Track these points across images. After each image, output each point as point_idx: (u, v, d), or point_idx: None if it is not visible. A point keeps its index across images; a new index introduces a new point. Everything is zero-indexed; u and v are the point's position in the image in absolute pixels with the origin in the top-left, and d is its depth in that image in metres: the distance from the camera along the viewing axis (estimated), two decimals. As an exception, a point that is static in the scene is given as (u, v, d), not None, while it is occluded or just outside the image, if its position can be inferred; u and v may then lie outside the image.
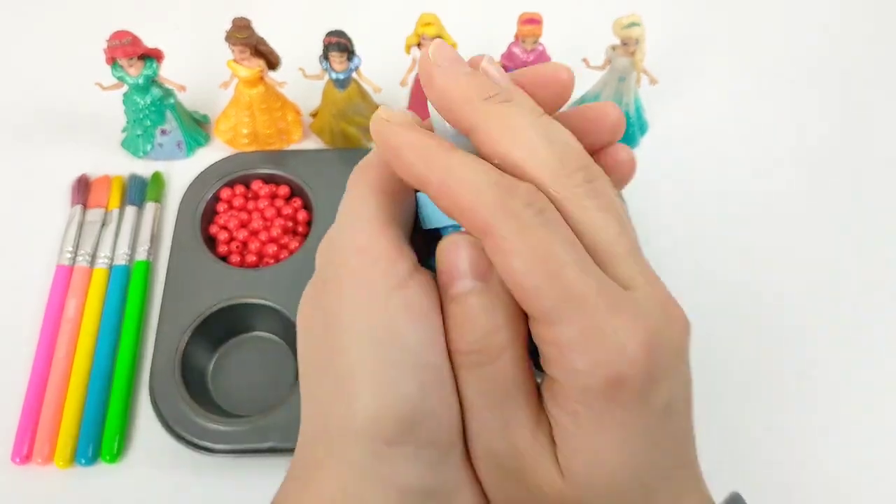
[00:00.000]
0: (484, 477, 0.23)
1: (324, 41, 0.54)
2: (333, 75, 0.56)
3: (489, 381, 0.22)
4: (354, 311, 0.22)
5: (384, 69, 0.58)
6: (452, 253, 0.22)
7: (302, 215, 0.57)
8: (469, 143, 0.23)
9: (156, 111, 0.58)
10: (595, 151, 0.24)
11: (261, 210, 0.56)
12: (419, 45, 0.56)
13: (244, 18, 0.54)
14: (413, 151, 0.22)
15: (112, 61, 0.55)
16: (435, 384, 0.22)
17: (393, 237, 0.23)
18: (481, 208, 0.20)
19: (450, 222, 0.24)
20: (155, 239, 0.56)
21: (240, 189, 0.57)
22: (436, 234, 0.24)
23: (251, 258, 0.55)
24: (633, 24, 0.53)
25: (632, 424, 0.21)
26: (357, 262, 0.22)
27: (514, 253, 0.20)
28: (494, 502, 0.23)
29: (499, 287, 0.22)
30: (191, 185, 0.57)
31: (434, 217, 0.24)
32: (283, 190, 0.58)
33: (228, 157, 0.59)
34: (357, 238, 0.23)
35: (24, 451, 0.47)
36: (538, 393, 0.23)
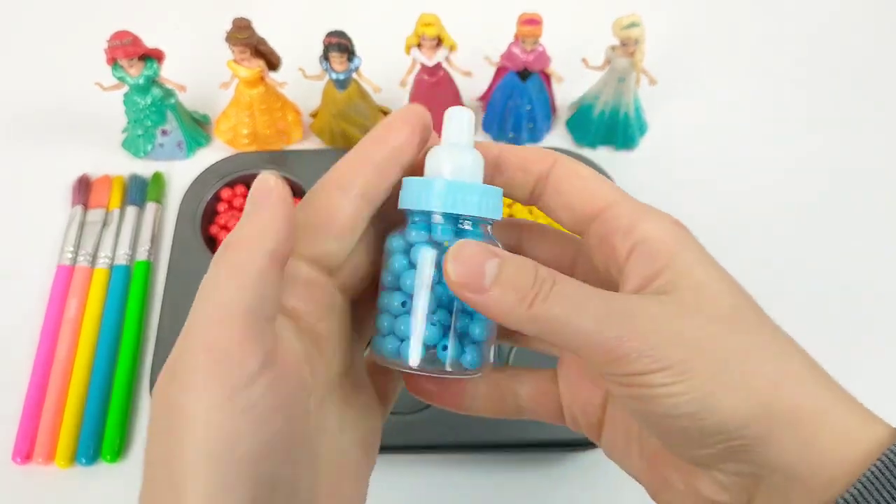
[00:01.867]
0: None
1: (324, 41, 0.54)
2: (333, 75, 0.56)
3: (566, 293, 0.23)
4: (195, 414, 0.21)
5: (384, 69, 0.59)
6: (464, 254, 0.24)
7: (302, 215, 0.57)
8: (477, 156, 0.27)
9: (156, 111, 0.58)
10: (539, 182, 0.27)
11: (261, 210, 0.56)
12: (419, 45, 0.56)
13: (244, 19, 0.54)
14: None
15: (113, 62, 0.55)
16: (270, 494, 0.22)
17: (247, 328, 0.22)
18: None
19: (426, 208, 0.26)
20: (155, 239, 0.56)
21: (240, 189, 0.58)
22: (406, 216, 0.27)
23: (251, 258, 0.55)
24: (632, 25, 0.54)
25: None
26: (203, 360, 0.22)
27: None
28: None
29: (508, 254, 0.24)
30: (191, 185, 0.57)
31: (410, 200, 0.26)
32: (284, 190, 0.58)
33: (229, 157, 0.59)
34: (205, 333, 0.22)
35: (25, 451, 0.47)
36: None
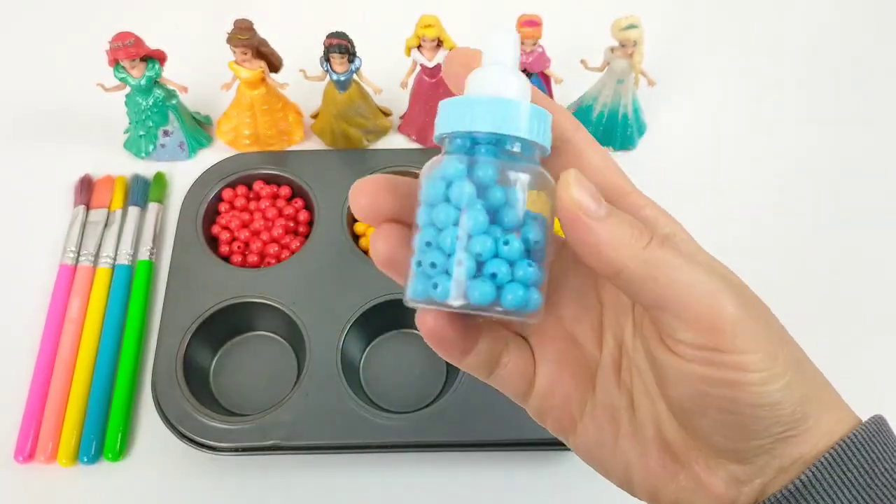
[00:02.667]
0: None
1: (325, 43, 0.55)
2: (334, 77, 0.56)
3: (679, 247, 0.23)
4: None
5: (385, 71, 0.59)
6: (584, 181, 0.23)
7: (303, 215, 0.57)
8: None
9: (158, 112, 0.58)
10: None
11: (262, 210, 0.57)
12: (419, 46, 0.56)
13: (246, 20, 0.55)
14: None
15: (115, 63, 0.55)
16: None
17: None
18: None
19: (468, 128, 0.23)
20: (157, 239, 0.56)
21: (241, 189, 0.58)
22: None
23: (253, 258, 0.55)
24: (631, 26, 0.54)
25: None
26: None
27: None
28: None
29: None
30: (193, 185, 0.57)
31: (449, 123, 0.23)
32: (285, 190, 0.58)
33: (230, 157, 0.59)
34: None
35: (28, 450, 0.47)
36: None
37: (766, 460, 0.23)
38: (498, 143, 0.23)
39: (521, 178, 0.23)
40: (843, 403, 0.25)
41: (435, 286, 0.23)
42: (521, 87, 0.23)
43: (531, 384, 0.27)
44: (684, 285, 0.22)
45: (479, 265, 0.22)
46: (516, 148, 0.23)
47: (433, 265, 0.23)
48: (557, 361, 0.27)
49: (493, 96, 0.23)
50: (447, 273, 0.22)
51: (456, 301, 0.22)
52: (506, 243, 0.23)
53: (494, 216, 0.23)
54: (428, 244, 0.23)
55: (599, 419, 0.27)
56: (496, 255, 0.23)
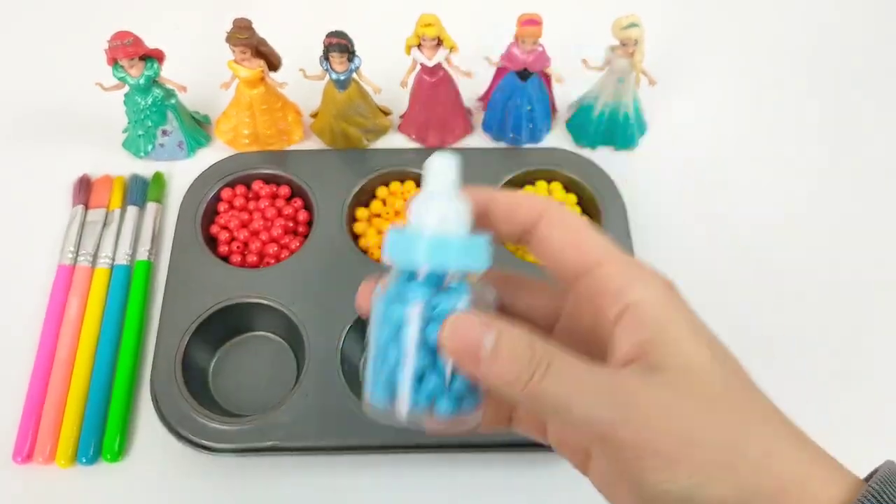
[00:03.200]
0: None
1: (324, 42, 0.54)
2: (334, 76, 0.56)
3: (562, 373, 0.24)
4: None
5: (385, 70, 0.59)
6: (460, 329, 0.24)
7: (303, 215, 0.57)
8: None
9: (157, 111, 0.58)
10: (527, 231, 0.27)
11: (262, 210, 0.56)
12: (419, 45, 0.56)
13: (245, 19, 0.54)
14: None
15: (113, 62, 0.55)
16: None
17: None
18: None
19: (408, 265, 0.26)
20: (156, 239, 0.56)
21: (241, 189, 0.58)
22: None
23: (252, 258, 0.55)
24: (632, 25, 0.54)
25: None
26: None
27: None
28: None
29: (506, 324, 0.25)
30: (192, 185, 0.57)
31: (393, 253, 0.26)
32: (284, 190, 0.58)
33: (229, 157, 0.59)
34: None
35: (26, 451, 0.47)
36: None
37: None
38: (438, 273, 0.26)
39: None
40: (836, 470, 0.24)
41: (385, 402, 0.26)
42: (458, 215, 0.26)
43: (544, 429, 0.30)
44: (568, 414, 0.24)
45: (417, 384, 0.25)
46: (453, 279, 0.26)
47: (379, 382, 0.26)
48: None
49: (429, 234, 0.25)
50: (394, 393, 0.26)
51: (403, 418, 0.26)
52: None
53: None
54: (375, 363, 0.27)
55: (603, 467, 0.28)
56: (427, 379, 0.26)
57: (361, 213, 0.56)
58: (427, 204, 0.26)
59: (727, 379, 0.25)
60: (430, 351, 0.25)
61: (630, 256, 0.26)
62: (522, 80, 0.58)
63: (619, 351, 0.25)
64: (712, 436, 0.23)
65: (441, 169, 0.27)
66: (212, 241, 0.55)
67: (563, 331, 0.27)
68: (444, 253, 0.25)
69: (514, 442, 0.46)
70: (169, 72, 0.57)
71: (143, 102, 0.57)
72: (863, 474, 0.25)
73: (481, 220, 0.27)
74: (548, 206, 0.27)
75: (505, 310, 0.29)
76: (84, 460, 0.47)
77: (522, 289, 0.30)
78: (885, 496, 0.23)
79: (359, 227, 0.56)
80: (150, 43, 0.55)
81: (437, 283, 0.26)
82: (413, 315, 0.25)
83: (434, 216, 0.26)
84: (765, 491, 0.23)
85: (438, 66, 0.57)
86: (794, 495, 0.23)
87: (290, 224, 0.56)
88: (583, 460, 0.29)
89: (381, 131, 0.62)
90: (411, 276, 0.26)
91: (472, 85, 0.61)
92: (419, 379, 0.25)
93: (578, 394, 0.24)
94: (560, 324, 0.29)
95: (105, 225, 0.56)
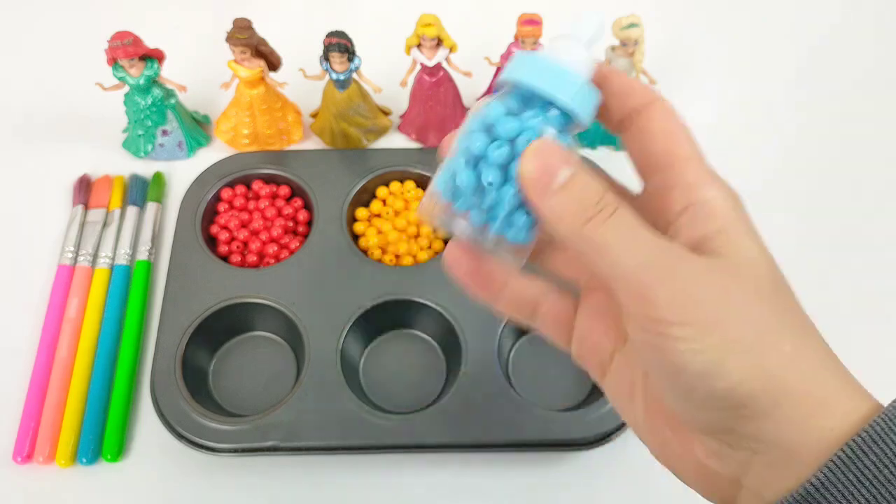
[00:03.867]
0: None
1: (324, 42, 0.54)
2: (334, 76, 0.56)
3: (623, 224, 0.24)
4: None
5: (384, 70, 0.59)
6: (545, 153, 0.24)
7: (302, 215, 0.57)
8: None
9: (157, 111, 0.58)
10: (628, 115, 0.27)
11: (261, 210, 0.56)
12: (419, 45, 0.56)
13: (245, 19, 0.54)
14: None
15: (113, 62, 0.55)
16: None
17: None
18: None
19: (517, 78, 0.25)
20: (156, 239, 0.56)
21: (240, 189, 0.58)
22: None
23: (252, 258, 0.55)
24: (632, 25, 0.54)
25: None
26: None
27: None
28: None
29: (585, 166, 0.24)
30: (192, 185, 0.57)
31: (509, 71, 0.26)
32: (284, 190, 0.58)
33: (229, 157, 0.59)
34: None
35: (26, 451, 0.47)
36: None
37: (734, 439, 0.24)
38: (544, 102, 0.25)
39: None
40: (860, 391, 0.24)
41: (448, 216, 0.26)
42: (585, 63, 0.26)
43: (569, 329, 0.29)
44: (613, 265, 0.24)
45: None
46: (553, 112, 0.25)
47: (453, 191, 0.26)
48: (595, 311, 0.29)
49: (553, 61, 0.25)
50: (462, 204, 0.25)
51: (464, 230, 0.26)
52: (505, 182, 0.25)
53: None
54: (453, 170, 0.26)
55: (622, 373, 0.28)
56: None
57: (361, 213, 0.56)
58: (566, 42, 0.26)
59: (777, 285, 0.26)
60: (503, 167, 0.25)
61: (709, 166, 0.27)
62: (522, 79, 0.58)
63: (682, 237, 0.25)
64: (750, 319, 0.24)
65: (589, 21, 0.27)
66: (212, 241, 0.55)
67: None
68: (566, 85, 0.25)
69: (515, 443, 0.46)
70: (169, 72, 0.57)
71: (143, 102, 0.57)
72: None
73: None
74: (658, 97, 0.27)
75: None
76: (84, 460, 0.47)
77: (556, 250, 0.30)
78: None
79: (359, 227, 0.56)
80: (150, 43, 0.55)
81: (541, 114, 0.25)
82: (509, 125, 0.25)
83: (564, 52, 0.26)
84: (791, 389, 0.23)
85: (438, 66, 0.57)
86: (815, 405, 0.23)
87: (290, 224, 0.56)
88: (600, 370, 0.29)
89: (381, 131, 0.62)
90: (517, 96, 0.26)
91: (472, 85, 0.61)
92: (483, 189, 0.25)
93: (632, 247, 0.24)
94: (591, 283, 0.29)
95: (105, 225, 0.56)
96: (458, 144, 0.26)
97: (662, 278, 0.23)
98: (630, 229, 0.24)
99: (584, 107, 0.26)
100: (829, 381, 0.24)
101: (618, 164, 0.60)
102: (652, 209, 0.26)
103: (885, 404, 0.24)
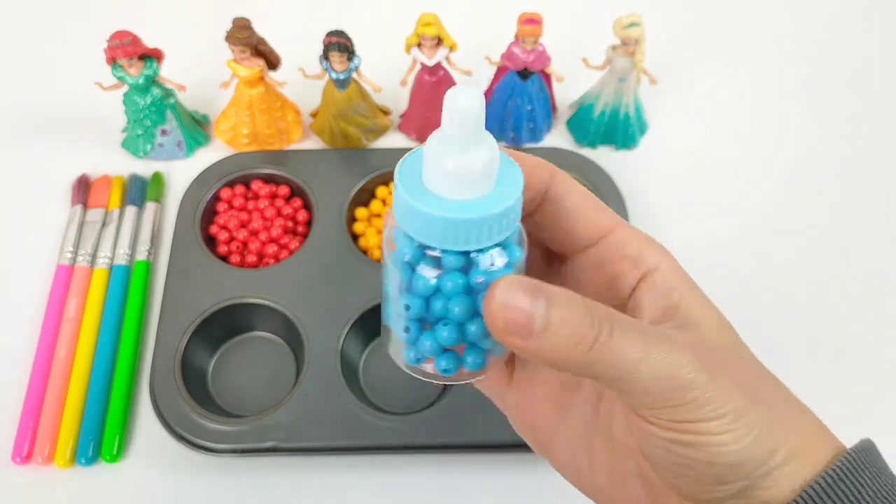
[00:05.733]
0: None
1: (324, 41, 0.54)
2: (333, 75, 0.56)
3: (627, 330, 0.22)
4: None
5: (384, 69, 0.59)
6: (506, 299, 0.21)
7: (302, 215, 0.57)
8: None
9: (156, 111, 0.58)
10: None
11: (261, 210, 0.56)
12: (419, 44, 0.56)
13: (244, 18, 0.54)
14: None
15: (112, 61, 0.55)
16: None
17: None
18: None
19: (424, 241, 0.22)
20: (155, 239, 0.56)
21: (240, 189, 0.57)
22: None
23: (251, 258, 0.55)
24: (633, 25, 0.54)
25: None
26: None
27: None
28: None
29: (554, 288, 0.22)
30: (191, 185, 0.57)
31: (403, 220, 0.23)
32: (284, 190, 0.58)
33: (228, 157, 0.59)
34: None
35: (25, 451, 0.47)
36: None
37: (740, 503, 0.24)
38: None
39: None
40: (826, 434, 0.24)
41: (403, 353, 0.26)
42: (486, 168, 0.21)
43: (505, 397, 0.29)
44: (637, 370, 0.22)
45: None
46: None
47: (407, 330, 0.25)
48: (532, 379, 0.28)
49: (449, 210, 0.21)
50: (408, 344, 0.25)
51: (407, 368, 0.26)
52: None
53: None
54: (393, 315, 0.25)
55: (574, 444, 0.27)
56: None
57: (361, 212, 0.56)
58: (446, 152, 0.21)
59: (733, 339, 0.25)
60: (458, 324, 0.24)
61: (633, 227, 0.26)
62: (523, 79, 0.58)
63: (647, 313, 0.25)
64: (761, 391, 0.23)
65: (460, 108, 0.21)
66: (211, 241, 0.55)
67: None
68: (479, 235, 0.21)
69: (515, 443, 0.46)
70: (168, 71, 0.57)
71: (142, 102, 0.57)
72: None
73: None
74: (555, 169, 0.25)
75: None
76: (83, 461, 0.47)
77: None
78: (860, 462, 0.23)
79: (358, 227, 0.56)
80: (149, 42, 0.55)
81: (457, 259, 0.22)
82: (424, 281, 0.23)
83: (455, 176, 0.21)
84: (794, 450, 0.23)
85: (438, 66, 0.57)
86: (804, 454, 0.23)
87: (290, 224, 0.56)
88: (545, 441, 0.28)
89: (380, 131, 0.61)
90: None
91: (472, 84, 0.61)
92: (428, 337, 0.24)
93: (650, 353, 0.22)
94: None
95: (104, 225, 0.56)
96: (396, 307, 0.25)
97: (684, 379, 0.22)
98: (635, 332, 0.22)
99: (507, 226, 0.22)
100: (809, 431, 0.24)
101: (619, 164, 0.61)
102: (601, 283, 0.26)
103: (849, 446, 0.24)
